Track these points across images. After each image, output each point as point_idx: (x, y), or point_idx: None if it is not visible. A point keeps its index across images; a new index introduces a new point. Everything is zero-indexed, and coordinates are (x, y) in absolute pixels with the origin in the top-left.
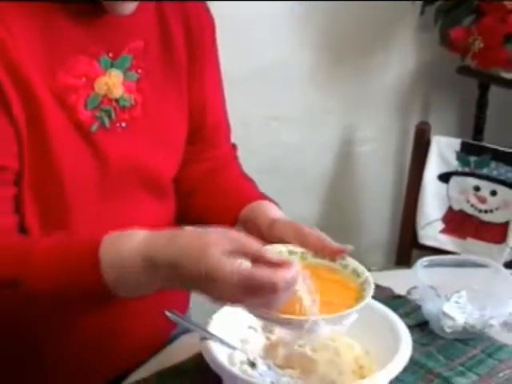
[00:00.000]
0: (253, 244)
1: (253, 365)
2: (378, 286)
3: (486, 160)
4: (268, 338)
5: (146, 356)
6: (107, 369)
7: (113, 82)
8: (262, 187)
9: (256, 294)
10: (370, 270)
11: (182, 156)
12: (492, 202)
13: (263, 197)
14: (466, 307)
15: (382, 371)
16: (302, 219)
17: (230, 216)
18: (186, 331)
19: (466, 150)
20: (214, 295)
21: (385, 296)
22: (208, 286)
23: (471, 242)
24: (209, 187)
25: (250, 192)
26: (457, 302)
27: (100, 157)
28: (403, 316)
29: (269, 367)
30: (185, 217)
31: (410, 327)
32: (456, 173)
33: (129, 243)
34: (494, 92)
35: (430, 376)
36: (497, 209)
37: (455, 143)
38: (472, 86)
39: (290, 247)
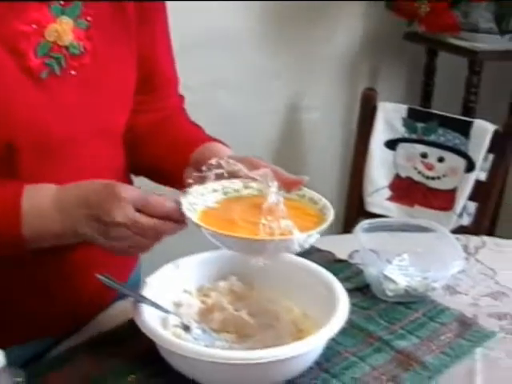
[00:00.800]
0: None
1: (186, 328)
2: (319, 250)
3: (433, 126)
4: (203, 302)
5: (95, 312)
6: (54, 323)
7: (63, 29)
8: None
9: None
10: None
11: (131, 105)
12: (439, 168)
13: (213, 139)
14: (408, 270)
15: (318, 333)
16: None
17: (181, 160)
18: (124, 296)
19: (412, 117)
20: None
21: (326, 260)
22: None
23: (418, 210)
24: (158, 136)
25: (199, 136)
26: (399, 265)
27: (51, 103)
28: (344, 280)
29: (203, 331)
30: (136, 167)
31: (351, 291)
32: (403, 139)
33: (43, 194)
34: (443, 58)
35: (371, 339)
36: (444, 176)
37: (402, 109)
38: (420, 52)
39: (246, 183)
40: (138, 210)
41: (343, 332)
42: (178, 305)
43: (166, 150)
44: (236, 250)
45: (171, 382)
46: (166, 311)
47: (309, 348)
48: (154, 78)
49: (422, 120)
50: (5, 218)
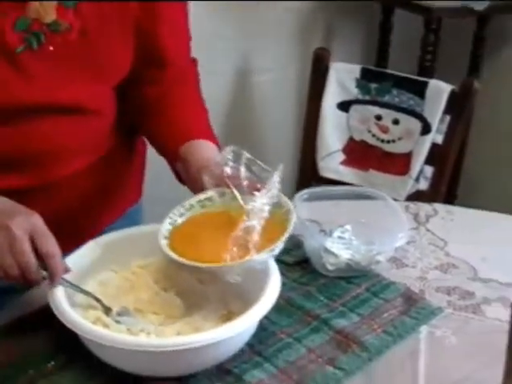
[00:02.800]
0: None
1: (109, 311)
2: None
3: (387, 87)
4: (129, 281)
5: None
6: None
7: (44, 9)
8: None
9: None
10: None
11: (117, 80)
12: (395, 131)
13: (204, 132)
14: (350, 242)
15: (246, 314)
16: None
17: (171, 152)
18: None
19: (366, 77)
20: None
21: None
22: None
23: (373, 174)
24: (157, 113)
25: (191, 126)
26: (340, 237)
27: (24, 77)
28: (284, 253)
29: (126, 313)
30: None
31: (291, 265)
32: (356, 101)
33: None
34: (399, 16)
35: (308, 318)
36: (399, 138)
37: (355, 70)
38: (375, 10)
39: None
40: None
41: (278, 310)
42: (101, 284)
43: (161, 134)
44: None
45: (92, 368)
46: (86, 293)
47: (233, 332)
48: (154, 52)
49: (376, 80)
50: None
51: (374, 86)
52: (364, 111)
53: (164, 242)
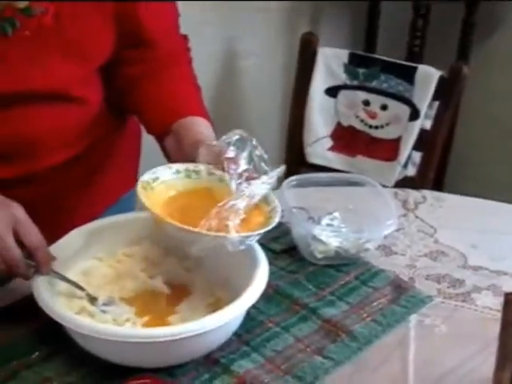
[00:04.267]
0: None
1: (94, 300)
2: None
3: (375, 72)
4: (115, 269)
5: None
6: None
7: None
8: None
9: None
10: None
11: (94, 66)
12: (383, 116)
13: (198, 110)
14: (339, 230)
15: (234, 303)
16: None
17: (161, 127)
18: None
19: (354, 62)
20: None
21: None
22: None
23: (361, 160)
24: (149, 90)
25: (185, 103)
26: (329, 225)
27: (1, 65)
28: (272, 241)
29: (112, 302)
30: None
31: (279, 253)
32: (344, 86)
33: None
34: (387, 1)
35: (296, 307)
36: (388, 124)
37: (343, 55)
38: None
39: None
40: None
41: (267, 299)
42: (86, 273)
43: (152, 109)
44: (173, 236)
45: (76, 359)
46: (71, 282)
47: (221, 322)
48: (137, 33)
49: (364, 65)
50: None
51: (362, 71)
52: (352, 96)
53: (141, 190)
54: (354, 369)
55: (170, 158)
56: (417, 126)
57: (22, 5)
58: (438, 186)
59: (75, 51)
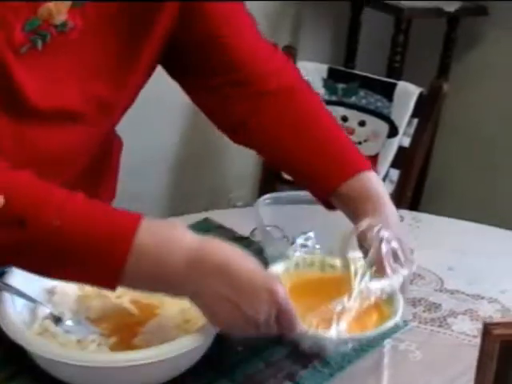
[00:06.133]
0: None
1: (58, 320)
2: (220, 227)
3: (354, 88)
4: (81, 289)
5: None
6: None
7: (58, 10)
8: None
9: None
10: (235, 206)
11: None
12: (360, 133)
13: (359, 158)
14: (313, 250)
15: (202, 328)
16: (162, 149)
17: (322, 193)
18: None
19: (333, 77)
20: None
21: (226, 237)
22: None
23: None
24: (280, 137)
25: (344, 152)
26: (303, 245)
27: (29, 76)
28: None
29: (77, 322)
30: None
31: None
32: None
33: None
34: (369, 15)
35: None
36: (366, 140)
37: (322, 69)
38: (345, 7)
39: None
40: None
41: None
42: (51, 292)
43: (307, 156)
44: None
45: (41, 381)
46: (34, 301)
47: (189, 346)
48: (221, 58)
49: (343, 81)
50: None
51: (341, 86)
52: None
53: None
54: None
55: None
56: (395, 143)
57: (59, 21)
58: (415, 204)
59: (95, 67)
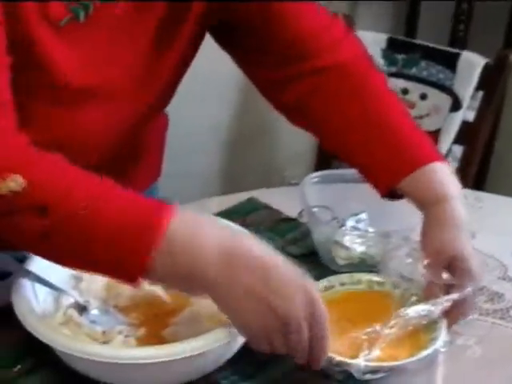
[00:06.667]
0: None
1: (83, 309)
2: (267, 207)
3: (415, 59)
4: None
5: None
6: None
7: None
8: None
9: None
10: (290, 184)
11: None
12: (421, 106)
13: (429, 148)
14: (365, 234)
15: None
16: (213, 126)
17: (386, 185)
18: None
19: (392, 47)
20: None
21: (273, 219)
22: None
23: None
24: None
25: (411, 141)
26: (354, 227)
27: (68, 51)
28: (290, 243)
29: (105, 312)
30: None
31: (296, 257)
32: None
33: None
34: None
35: None
36: (427, 115)
37: (381, 39)
38: None
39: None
40: None
41: None
42: (78, 278)
43: (361, 151)
44: None
45: (61, 375)
46: (56, 288)
47: (222, 341)
48: (277, 32)
49: (403, 51)
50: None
51: (401, 57)
52: (390, 84)
53: None
54: None
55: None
56: (458, 117)
57: None
58: (480, 183)
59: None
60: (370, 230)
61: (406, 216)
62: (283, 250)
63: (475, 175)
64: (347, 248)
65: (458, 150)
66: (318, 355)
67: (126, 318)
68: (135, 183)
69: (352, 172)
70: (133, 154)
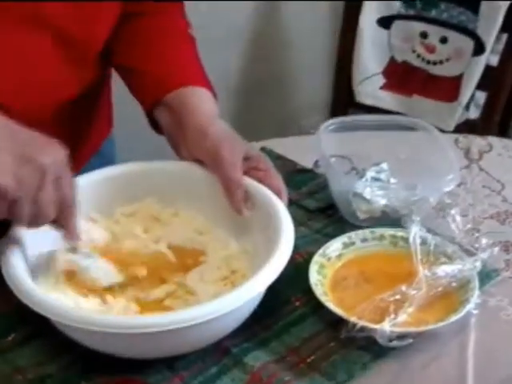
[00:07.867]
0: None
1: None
2: (279, 158)
3: (434, 0)
4: (112, 231)
5: None
6: None
7: None
8: None
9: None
10: (308, 134)
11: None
12: (442, 50)
13: (196, 76)
14: (387, 185)
15: (253, 279)
16: (224, 75)
17: (149, 97)
18: None
19: None
20: None
21: (287, 170)
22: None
23: (417, 100)
24: (134, 45)
25: (179, 64)
26: (375, 178)
27: None
28: (307, 196)
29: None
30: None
31: (312, 212)
32: (399, 16)
33: None
34: None
35: None
36: (448, 59)
37: None
38: None
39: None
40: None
41: (295, 270)
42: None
43: (135, 68)
44: None
45: (58, 345)
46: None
47: (230, 307)
48: None
49: None
50: None
51: None
52: (407, 28)
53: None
54: (400, 363)
55: (169, 139)
56: (481, 61)
57: None
58: (504, 131)
59: None
60: (392, 180)
61: (432, 166)
62: (298, 203)
63: (499, 123)
64: (368, 201)
65: (481, 96)
66: (66, 223)
67: (128, 275)
68: (91, 137)
69: (372, 118)
70: (83, 114)
